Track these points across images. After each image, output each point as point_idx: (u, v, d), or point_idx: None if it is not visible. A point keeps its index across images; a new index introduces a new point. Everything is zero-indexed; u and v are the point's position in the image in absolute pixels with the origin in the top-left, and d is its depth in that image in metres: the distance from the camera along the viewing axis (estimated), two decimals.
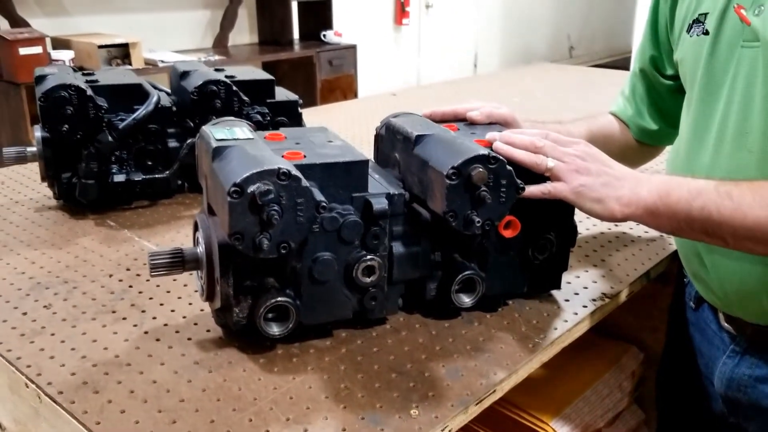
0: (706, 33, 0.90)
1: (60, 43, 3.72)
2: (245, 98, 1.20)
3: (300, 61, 4.38)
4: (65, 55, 3.56)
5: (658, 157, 1.22)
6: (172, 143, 1.20)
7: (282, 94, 1.29)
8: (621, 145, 1.14)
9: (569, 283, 0.94)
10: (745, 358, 0.94)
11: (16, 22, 3.65)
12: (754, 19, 0.84)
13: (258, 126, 1.22)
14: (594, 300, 0.91)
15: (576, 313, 0.87)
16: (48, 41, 3.55)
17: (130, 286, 0.92)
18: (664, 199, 0.78)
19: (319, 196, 0.69)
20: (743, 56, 0.85)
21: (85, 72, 1.22)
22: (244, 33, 4.57)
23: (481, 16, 6.49)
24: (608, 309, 0.92)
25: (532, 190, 0.79)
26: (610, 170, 0.81)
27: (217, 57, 4.01)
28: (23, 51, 3.33)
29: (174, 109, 1.20)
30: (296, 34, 4.62)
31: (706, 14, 0.91)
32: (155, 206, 1.20)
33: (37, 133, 1.13)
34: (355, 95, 4.68)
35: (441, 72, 6.10)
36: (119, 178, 1.13)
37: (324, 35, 4.55)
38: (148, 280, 0.93)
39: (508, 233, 0.81)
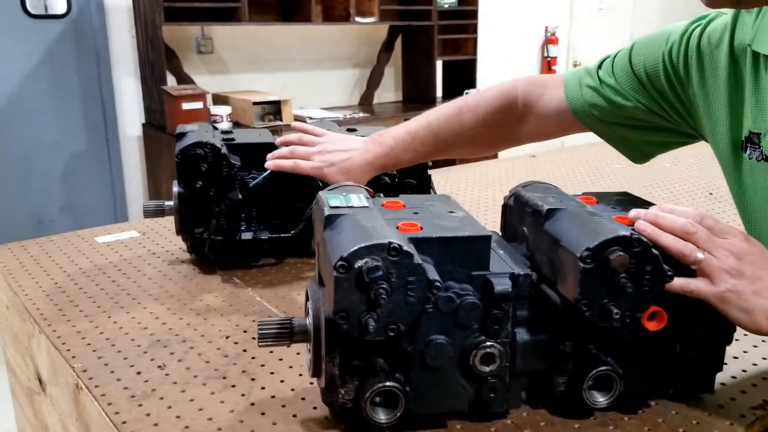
0: (766, 159, 0.81)
1: (219, 99, 3.98)
2: None
3: None
4: (223, 111, 3.79)
5: None
6: (300, 203, 1.19)
7: None
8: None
9: (723, 384, 0.81)
10: None
11: (183, 79, 3.95)
12: None
13: (385, 187, 1.19)
14: (754, 408, 0.77)
15: (731, 423, 0.74)
16: (209, 97, 3.81)
17: (244, 350, 0.90)
18: None
19: (432, 275, 0.63)
20: None
21: (224, 130, 1.25)
22: (389, 91, 4.67)
23: None
24: None
25: (672, 283, 0.68)
26: (766, 276, 0.69)
27: (361, 114, 4.11)
28: (186, 106, 3.58)
29: None
30: (439, 92, 4.65)
31: (759, 134, 0.82)
32: (281, 265, 1.20)
33: (175, 188, 1.16)
34: (494, 155, 4.61)
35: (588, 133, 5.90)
36: (246, 235, 1.13)
37: (467, 93, 4.55)
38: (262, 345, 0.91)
39: (652, 326, 0.70)
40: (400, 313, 0.62)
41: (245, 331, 0.95)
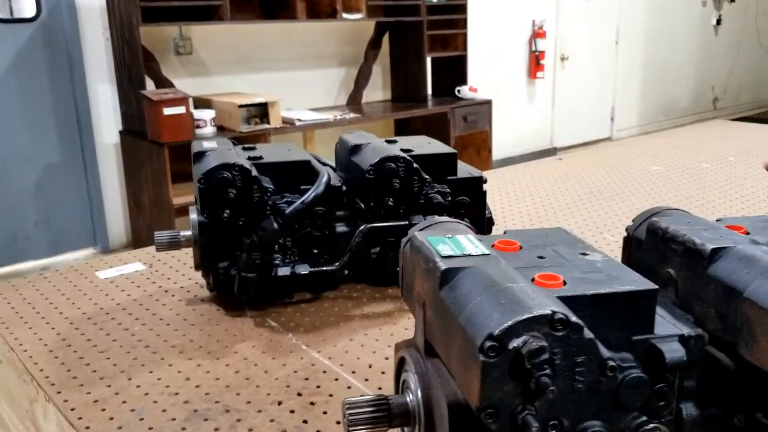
0: None
1: (201, 103, 3.78)
2: (426, 177, 1.01)
3: (433, 117, 4.25)
4: (206, 115, 3.60)
5: None
6: (341, 228, 1.03)
7: (463, 169, 1.10)
8: None
9: None
10: None
11: (162, 82, 3.75)
12: None
13: (438, 209, 1.03)
14: None
15: None
16: (190, 101, 3.61)
17: (305, 422, 0.73)
18: None
19: (605, 352, 0.47)
20: None
21: (245, 146, 1.08)
22: (377, 90, 4.51)
23: (620, 68, 6.17)
24: None
25: None
26: None
27: (352, 115, 3.94)
28: (167, 111, 3.38)
29: (344, 188, 1.03)
30: (430, 90, 4.51)
31: None
32: (320, 301, 1.03)
33: (193, 215, 0.99)
34: (489, 152, 4.48)
35: (576, 126, 5.81)
36: (284, 271, 0.97)
37: (458, 91, 4.41)
38: (325, 413, 0.75)
39: None
40: (564, 405, 0.46)
41: (299, 394, 0.78)
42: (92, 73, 3.71)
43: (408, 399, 0.58)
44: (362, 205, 1.02)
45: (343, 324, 0.96)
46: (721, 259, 0.57)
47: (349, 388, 0.79)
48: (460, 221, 0.63)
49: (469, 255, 0.55)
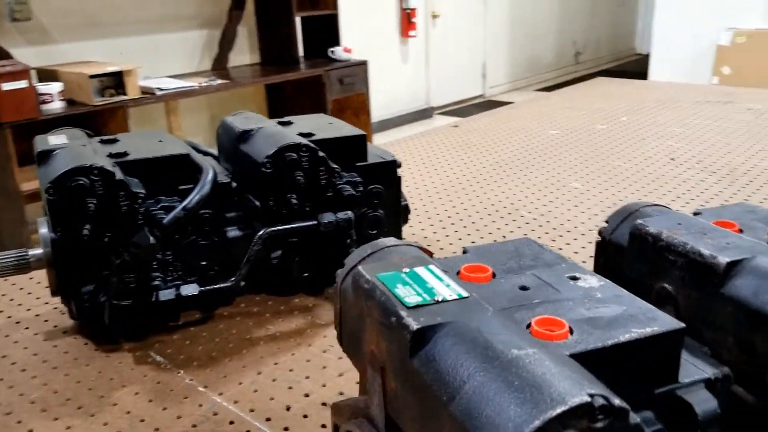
0: None
1: (46, 75, 3.37)
2: (334, 166, 0.86)
3: (307, 81, 4.04)
4: (53, 88, 3.20)
5: None
6: (233, 232, 0.86)
7: (372, 152, 0.95)
8: None
9: None
10: None
11: None
12: None
13: (350, 203, 0.88)
14: None
15: None
16: (33, 73, 3.20)
17: None
18: None
19: None
20: None
21: (104, 139, 0.88)
22: (244, 53, 4.23)
23: (488, 25, 6.19)
24: None
25: None
26: None
27: (219, 81, 3.66)
28: (6, 86, 2.97)
29: (233, 185, 0.86)
30: (301, 52, 4.28)
31: None
32: (213, 321, 0.86)
33: (43, 229, 0.78)
34: (368, 115, 4.35)
35: (450, 85, 5.80)
36: (167, 295, 0.78)
37: (332, 52, 4.22)
38: None
39: None
40: None
41: None
42: None
43: None
44: (258, 204, 0.85)
45: (247, 351, 0.79)
46: (740, 275, 0.46)
47: None
48: (411, 243, 0.49)
49: (443, 301, 0.40)
